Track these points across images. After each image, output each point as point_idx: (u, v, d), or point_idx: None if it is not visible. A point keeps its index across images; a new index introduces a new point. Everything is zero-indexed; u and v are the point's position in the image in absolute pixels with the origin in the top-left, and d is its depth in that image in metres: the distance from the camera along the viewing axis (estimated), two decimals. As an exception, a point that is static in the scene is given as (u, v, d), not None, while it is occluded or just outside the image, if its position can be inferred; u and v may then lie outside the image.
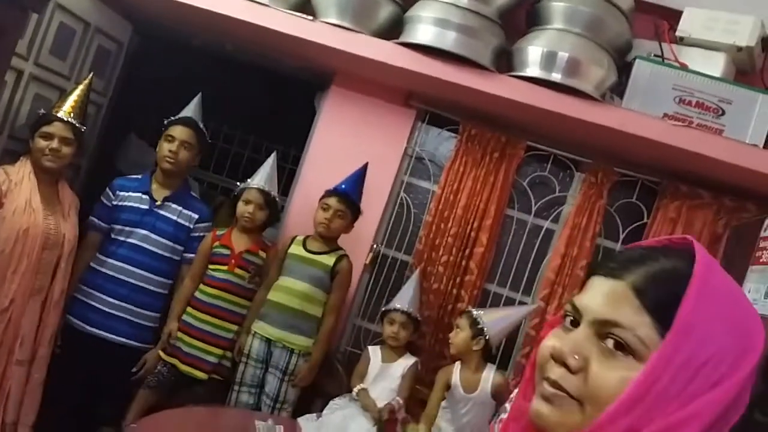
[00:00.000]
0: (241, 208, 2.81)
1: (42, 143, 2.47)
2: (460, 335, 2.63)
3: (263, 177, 2.85)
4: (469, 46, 2.68)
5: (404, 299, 2.78)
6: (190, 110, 2.90)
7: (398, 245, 3.20)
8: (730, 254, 2.57)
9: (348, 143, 3.14)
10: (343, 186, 2.81)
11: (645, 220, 3.06)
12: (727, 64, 2.63)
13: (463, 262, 3.04)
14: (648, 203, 3.06)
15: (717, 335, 0.65)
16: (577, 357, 0.67)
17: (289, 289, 2.75)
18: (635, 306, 0.66)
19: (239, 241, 2.83)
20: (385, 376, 2.67)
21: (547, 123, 2.88)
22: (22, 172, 2.43)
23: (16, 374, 2.42)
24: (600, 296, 0.69)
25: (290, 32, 2.79)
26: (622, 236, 3.10)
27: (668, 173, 2.97)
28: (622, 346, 0.66)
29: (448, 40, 2.68)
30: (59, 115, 2.52)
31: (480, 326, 2.59)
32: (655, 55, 2.72)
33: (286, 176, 3.58)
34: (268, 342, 2.74)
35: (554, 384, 0.68)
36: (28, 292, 2.41)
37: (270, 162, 2.91)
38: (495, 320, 2.63)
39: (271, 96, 3.75)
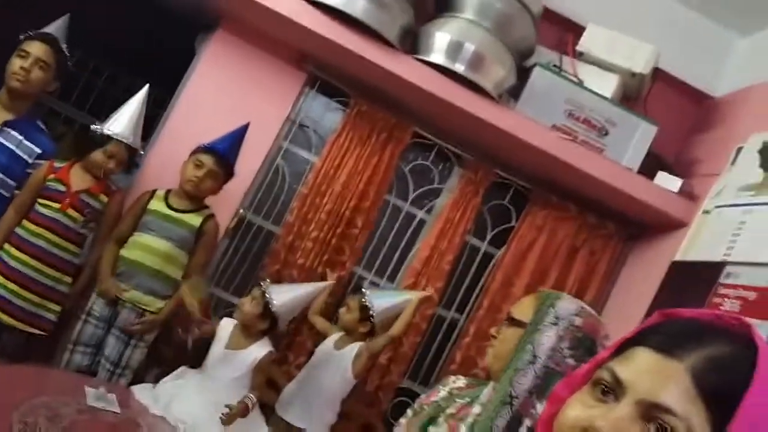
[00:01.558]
0: (100, 157, 2.52)
1: None
2: (348, 316, 2.63)
3: (129, 126, 2.56)
4: (378, 18, 2.60)
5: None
6: (53, 28, 2.53)
7: (266, 213, 3.06)
8: (670, 291, 2.67)
9: (226, 95, 2.94)
10: (221, 145, 2.62)
11: (513, 223, 3.18)
12: (618, 87, 2.78)
13: (333, 241, 2.97)
14: (518, 207, 3.19)
15: None
16: None
17: (148, 247, 2.54)
18: (691, 394, 0.61)
19: (78, 179, 2.53)
20: (230, 362, 2.43)
21: (439, 112, 2.88)
22: None
23: None
24: (650, 374, 0.64)
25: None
26: (489, 236, 3.20)
27: (542, 182, 3.11)
28: None
29: (357, 8, 2.58)
30: None
31: (370, 312, 2.58)
32: (554, 66, 2.81)
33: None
34: (115, 301, 2.50)
35: None
36: None
37: (136, 104, 2.61)
38: (382, 305, 2.62)
39: (150, 31, 3.40)
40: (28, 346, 2.53)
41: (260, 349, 2.42)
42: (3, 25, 2.52)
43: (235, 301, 2.99)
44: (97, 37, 3.50)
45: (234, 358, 2.41)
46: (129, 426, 2.08)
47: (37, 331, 2.51)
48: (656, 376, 0.63)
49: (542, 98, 2.74)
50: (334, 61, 2.86)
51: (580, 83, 2.74)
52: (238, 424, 2.25)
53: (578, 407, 0.66)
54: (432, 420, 1.40)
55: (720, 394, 0.61)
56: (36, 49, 2.46)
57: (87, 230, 2.57)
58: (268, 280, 2.52)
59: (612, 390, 0.66)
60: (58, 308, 2.54)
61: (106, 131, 2.52)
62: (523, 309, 1.40)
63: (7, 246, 2.46)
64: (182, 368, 2.48)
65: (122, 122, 2.55)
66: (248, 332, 2.45)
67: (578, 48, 2.81)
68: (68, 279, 2.55)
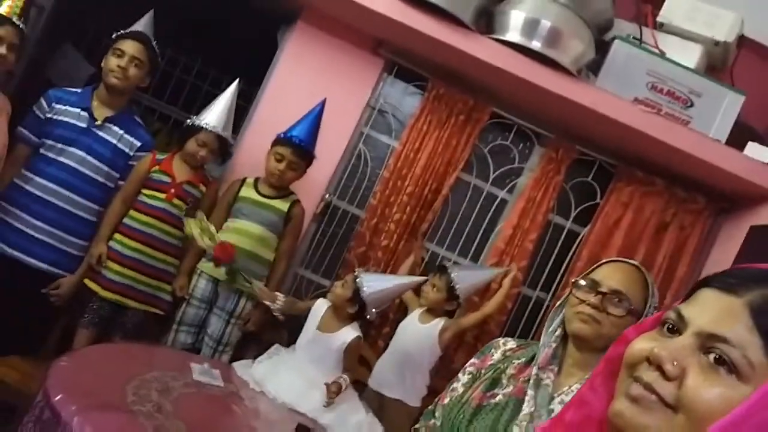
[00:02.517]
0: (193, 147, 2.72)
1: None
2: (433, 294, 2.74)
3: (220, 118, 2.74)
4: (452, 1, 2.66)
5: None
6: (141, 25, 2.73)
7: (351, 198, 3.19)
8: (747, 256, 2.64)
9: (309, 85, 3.07)
10: (299, 135, 2.75)
11: (598, 200, 3.18)
12: (702, 57, 2.73)
13: (416, 223, 3.07)
14: (603, 184, 3.18)
15: None
16: (675, 364, 0.67)
17: (242, 231, 2.73)
18: (748, 325, 0.65)
19: (181, 170, 2.74)
20: (319, 343, 2.56)
21: (517, 91, 2.91)
22: None
23: None
24: (711, 310, 0.68)
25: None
26: (573, 214, 3.21)
27: (626, 157, 3.08)
28: (724, 363, 0.65)
29: (431, -9, 2.65)
30: (8, 16, 2.33)
31: (456, 291, 2.69)
32: (634, 38, 2.78)
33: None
34: (215, 282, 2.71)
35: (647, 386, 0.68)
36: None
37: (227, 97, 2.79)
38: (467, 283, 2.73)
39: (231, 25, 3.59)
40: (147, 325, 2.77)
41: (348, 334, 2.51)
42: (92, 22, 2.74)
43: (325, 282, 3.15)
44: (184, 35, 3.74)
45: (323, 340, 2.53)
46: (231, 398, 2.25)
47: (156, 311, 2.75)
48: (715, 310, 0.68)
49: (623, 72, 2.73)
50: (411, 45, 2.95)
51: (661, 54, 2.71)
52: (335, 403, 2.38)
53: (644, 341, 0.72)
54: (495, 382, 1.47)
55: None
56: (130, 47, 2.65)
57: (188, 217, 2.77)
58: (362, 268, 2.69)
59: (677, 327, 0.71)
60: (169, 288, 2.77)
61: (198, 122, 2.71)
62: (637, 295, 1.41)
63: (119, 236, 2.69)
64: (276, 346, 2.64)
65: (214, 114, 2.74)
66: (339, 315, 2.56)
67: (658, 19, 2.77)
68: (177, 262, 2.78)
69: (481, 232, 3.22)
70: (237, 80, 2.84)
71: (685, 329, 0.70)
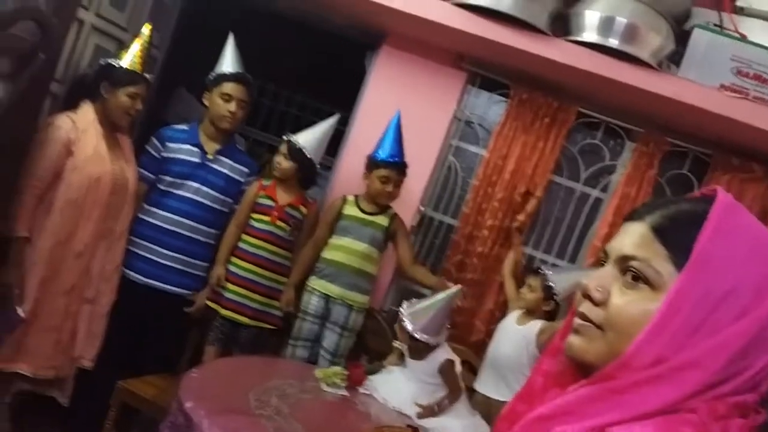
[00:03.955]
0: (275, 158, 3.03)
1: (126, 102, 2.64)
2: (531, 296, 2.85)
3: (306, 135, 3.01)
4: (526, 9, 2.81)
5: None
6: (234, 61, 3.00)
7: (444, 209, 3.37)
8: None
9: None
10: (394, 153, 2.94)
11: (695, 192, 3.17)
12: (787, 37, 2.73)
13: (509, 227, 3.20)
14: (699, 175, 3.19)
15: (736, 268, 0.72)
16: (600, 290, 0.79)
17: (348, 249, 2.96)
18: (653, 242, 0.76)
19: (283, 194, 3.01)
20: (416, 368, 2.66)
21: (600, 89, 3.00)
22: (86, 119, 2.59)
23: (84, 312, 2.66)
24: (623, 237, 0.80)
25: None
26: (670, 207, 3.22)
27: (720, 145, 3.09)
28: (639, 278, 0.76)
29: (504, 2, 2.81)
30: (134, 69, 2.65)
31: (553, 292, 2.81)
32: (714, 25, 2.82)
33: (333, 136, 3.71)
34: (327, 299, 2.97)
35: (582, 316, 0.80)
36: (98, 235, 2.63)
37: (324, 126, 3.04)
38: (565, 284, 2.81)
39: (321, 55, 3.90)
40: (261, 339, 3.05)
41: (440, 356, 2.61)
42: (202, 65, 3.07)
43: (426, 293, 3.31)
44: (278, 65, 4.06)
45: (417, 366, 2.65)
46: (345, 403, 2.45)
47: (268, 326, 3.02)
48: (627, 237, 0.80)
49: (705, 59, 2.76)
50: (491, 56, 3.12)
51: (744, 39, 2.73)
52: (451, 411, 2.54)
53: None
54: None
55: (680, 240, 0.75)
56: (236, 91, 2.95)
57: (293, 237, 3.03)
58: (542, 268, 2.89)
59: (604, 261, 0.83)
60: (278, 304, 3.02)
61: (291, 139, 2.98)
62: None
63: (234, 258, 2.99)
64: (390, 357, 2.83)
65: (307, 137, 3.00)
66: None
67: (737, 3, 2.79)
68: (285, 279, 3.04)
69: (578, 232, 3.30)
70: (336, 115, 3.10)
71: (608, 259, 0.82)
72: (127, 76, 2.63)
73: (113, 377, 2.67)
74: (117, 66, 2.64)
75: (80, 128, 2.55)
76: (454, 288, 2.64)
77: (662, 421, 0.71)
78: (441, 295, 2.61)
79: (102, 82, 2.63)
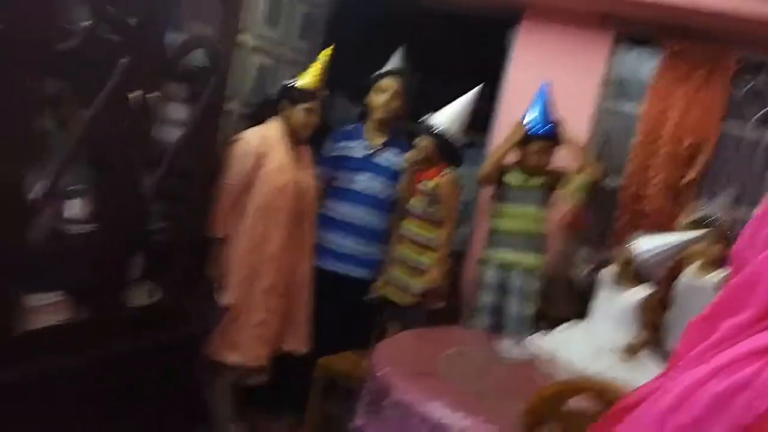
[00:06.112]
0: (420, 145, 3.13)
1: (302, 117, 2.91)
2: (707, 248, 2.85)
3: (442, 113, 3.10)
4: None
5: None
6: (394, 62, 3.28)
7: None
8: None
9: (544, 74, 3.30)
10: (546, 125, 3.04)
11: None
12: None
13: (676, 181, 3.20)
14: None
15: None
16: None
17: (516, 213, 3.10)
18: None
19: (423, 172, 3.14)
20: (614, 301, 2.78)
21: (757, 30, 2.92)
22: (273, 134, 2.89)
23: (285, 307, 2.95)
24: None
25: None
26: None
27: None
28: None
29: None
30: (307, 88, 2.91)
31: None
32: None
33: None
34: (504, 267, 3.11)
35: None
36: (288, 237, 2.91)
37: (463, 99, 3.12)
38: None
39: (462, 40, 4.02)
40: (429, 320, 3.17)
41: (643, 291, 2.73)
42: (353, 73, 3.31)
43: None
44: (426, 56, 4.21)
45: (618, 299, 2.77)
46: (528, 367, 2.57)
47: (408, 302, 3.13)
48: None
49: None
50: (635, 13, 3.12)
51: None
52: (630, 364, 2.56)
53: None
54: None
55: None
56: (388, 84, 3.21)
57: (433, 210, 3.10)
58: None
59: None
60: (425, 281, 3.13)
61: (426, 119, 3.11)
62: None
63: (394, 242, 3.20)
64: (571, 322, 2.89)
65: (443, 115, 3.10)
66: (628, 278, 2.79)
67: None
68: (430, 258, 3.12)
69: (751, 179, 3.23)
70: (478, 87, 3.16)
71: None
72: (301, 94, 2.90)
73: (314, 356, 3.00)
74: (293, 86, 2.93)
75: (269, 143, 2.86)
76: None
77: None
78: (686, 236, 2.73)
79: (282, 100, 2.94)
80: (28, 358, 1.96)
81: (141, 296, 2.49)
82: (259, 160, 2.80)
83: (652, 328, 2.89)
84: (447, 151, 3.12)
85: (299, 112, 2.90)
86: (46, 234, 2.03)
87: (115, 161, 2.19)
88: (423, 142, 3.10)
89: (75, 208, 2.15)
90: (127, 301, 2.37)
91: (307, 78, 2.93)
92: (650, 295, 2.72)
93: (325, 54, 2.99)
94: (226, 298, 2.80)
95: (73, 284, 2.17)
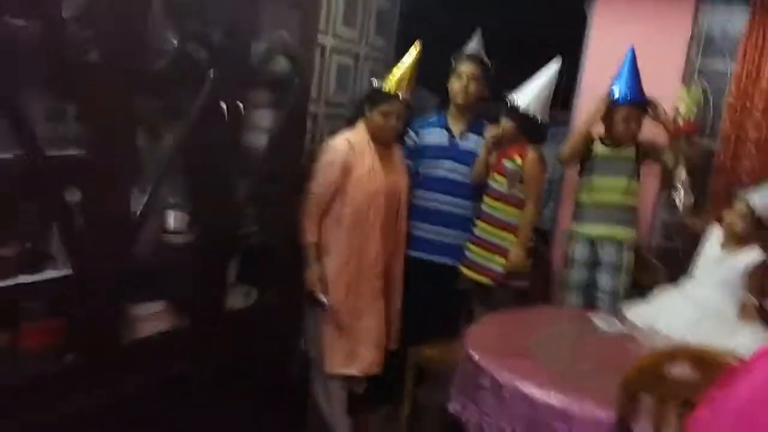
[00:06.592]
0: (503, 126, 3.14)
1: (380, 120, 2.92)
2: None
3: (523, 91, 3.08)
4: None
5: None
6: (471, 46, 3.30)
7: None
8: None
9: (626, 40, 3.18)
10: (632, 93, 2.98)
11: None
12: None
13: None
14: None
15: None
16: None
17: (606, 186, 3.06)
18: None
19: (504, 150, 3.15)
20: (721, 264, 2.72)
21: None
22: (361, 138, 2.93)
23: (386, 308, 3.03)
24: None
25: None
26: None
27: None
28: None
29: None
30: (386, 90, 2.92)
31: None
32: None
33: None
34: (593, 242, 3.08)
35: None
36: (385, 241, 2.97)
37: (542, 76, 3.10)
38: None
39: (539, 16, 3.97)
40: (517, 300, 3.17)
41: (752, 255, 2.65)
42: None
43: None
44: (503, 37, 4.19)
45: (724, 263, 2.70)
46: (624, 339, 2.54)
47: (486, 281, 3.16)
48: None
49: None
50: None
51: None
52: (733, 330, 2.50)
53: None
54: None
55: None
56: (466, 68, 3.24)
57: (515, 189, 3.11)
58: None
59: None
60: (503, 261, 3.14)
61: (508, 98, 3.10)
62: None
63: (477, 221, 3.21)
64: (663, 288, 2.85)
65: (524, 93, 3.09)
66: (737, 241, 2.72)
67: None
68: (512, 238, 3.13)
69: None
70: (557, 59, 3.12)
71: None
72: (379, 96, 2.93)
73: (404, 346, 3.09)
74: (376, 89, 2.96)
75: (357, 149, 2.89)
76: None
77: None
78: None
79: (365, 103, 2.98)
80: (136, 366, 2.10)
81: (237, 299, 2.61)
82: (347, 167, 2.84)
83: (761, 293, 2.80)
84: (529, 129, 3.10)
85: (377, 116, 2.92)
86: (151, 247, 2.17)
87: (210, 171, 2.32)
88: (505, 123, 3.11)
89: (174, 219, 2.29)
90: (226, 306, 2.50)
91: (388, 80, 2.94)
92: (763, 261, 2.62)
93: (410, 54, 2.97)
94: (330, 303, 2.87)
95: (175, 293, 2.30)
